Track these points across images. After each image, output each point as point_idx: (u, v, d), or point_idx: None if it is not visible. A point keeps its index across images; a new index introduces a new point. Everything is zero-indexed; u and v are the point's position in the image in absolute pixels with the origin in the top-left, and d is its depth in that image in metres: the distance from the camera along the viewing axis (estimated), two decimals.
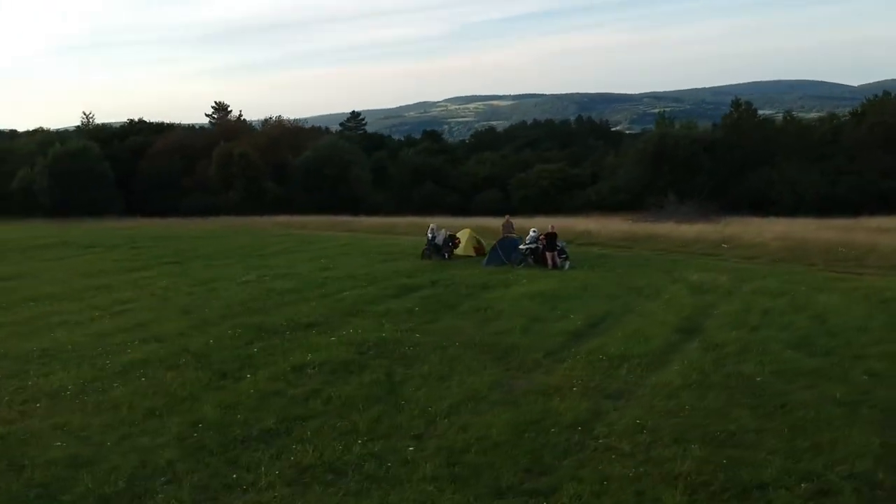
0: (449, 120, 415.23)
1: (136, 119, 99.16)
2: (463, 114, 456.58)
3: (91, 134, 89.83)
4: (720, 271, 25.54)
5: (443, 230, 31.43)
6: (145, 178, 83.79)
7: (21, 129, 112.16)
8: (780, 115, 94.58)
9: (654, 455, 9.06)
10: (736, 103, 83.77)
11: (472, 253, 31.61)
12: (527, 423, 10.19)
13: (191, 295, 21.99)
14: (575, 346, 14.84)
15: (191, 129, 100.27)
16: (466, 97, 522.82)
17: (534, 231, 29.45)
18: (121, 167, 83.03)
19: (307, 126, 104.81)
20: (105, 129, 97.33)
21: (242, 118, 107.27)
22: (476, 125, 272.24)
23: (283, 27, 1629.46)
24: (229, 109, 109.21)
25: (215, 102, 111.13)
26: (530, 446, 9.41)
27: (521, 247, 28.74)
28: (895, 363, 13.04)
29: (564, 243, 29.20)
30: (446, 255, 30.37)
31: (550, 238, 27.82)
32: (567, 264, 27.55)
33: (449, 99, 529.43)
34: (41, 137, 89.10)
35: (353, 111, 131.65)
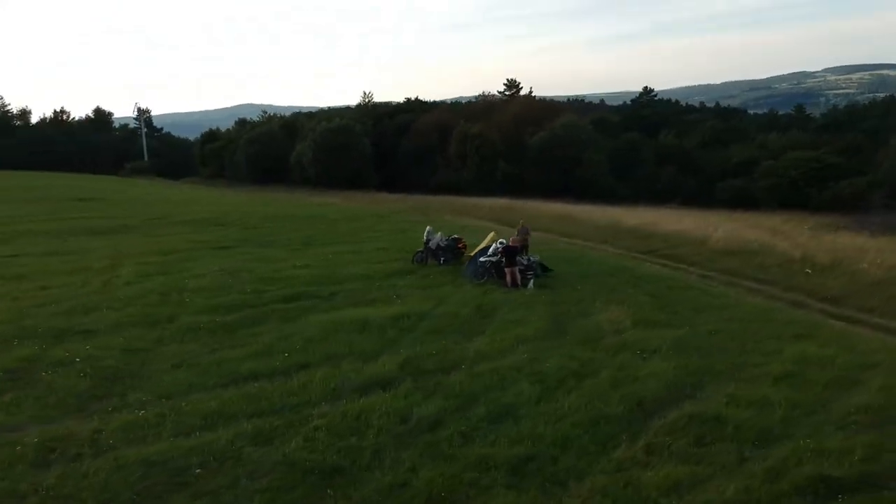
0: (826, 92, 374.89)
1: (413, 98, 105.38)
2: (844, 85, 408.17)
3: (364, 112, 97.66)
4: None
5: (438, 233, 29.46)
6: (405, 154, 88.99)
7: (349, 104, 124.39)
8: None
9: None
10: None
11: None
12: None
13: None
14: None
15: (455, 104, 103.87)
16: (850, 66, 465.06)
17: (500, 242, 26.52)
18: (385, 144, 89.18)
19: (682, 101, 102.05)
20: (380, 107, 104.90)
21: (532, 94, 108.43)
22: (858, 97, 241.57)
23: None
24: (519, 86, 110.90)
25: (507, 80, 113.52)
26: None
27: (481, 259, 26.05)
28: None
29: (535, 258, 25.83)
30: (441, 260, 28.42)
31: (509, 252, 24.78)
32: (531, 283, 24.36)
33: (829, 69, 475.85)
34: (321, 115, 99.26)
35: (645, 87, 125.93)
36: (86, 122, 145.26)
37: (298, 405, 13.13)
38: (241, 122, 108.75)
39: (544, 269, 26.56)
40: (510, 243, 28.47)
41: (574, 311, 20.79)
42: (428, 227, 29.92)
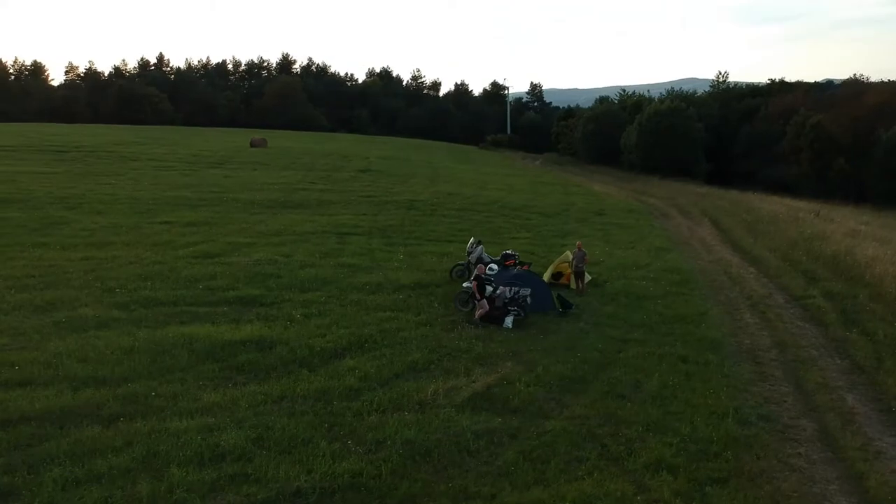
0: None
1: (776, 79, 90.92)
2: None
3: (717, 95, 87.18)
4: None
5: (480, 246, 24.66)
6: (745, 142, 78.21)
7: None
8: None
9: None
10: None
11: (551, 279, 24.41)
12: None
13: None
14: None
15: (815, 87, 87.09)
16: None
17: (493, 266, 21.47)
18: (726, 130, 79.38)
19: None
20: (734, 88, 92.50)
21: None
22: None
23: None
24: None
25: None
26: None
27: (464, 284, 21.37)
28: None
29: (516, 290, 20.32)
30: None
31: (481, 282, 19.91)
32: (509, 321, 19.46)
33: None
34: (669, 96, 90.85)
35: None
36: (482, 96, 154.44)
37: None
38: (602, 100, 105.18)
39: (565, 305, 20.72)
40: (573, 266, 22.96)
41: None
42: (472, 238, 25.23)
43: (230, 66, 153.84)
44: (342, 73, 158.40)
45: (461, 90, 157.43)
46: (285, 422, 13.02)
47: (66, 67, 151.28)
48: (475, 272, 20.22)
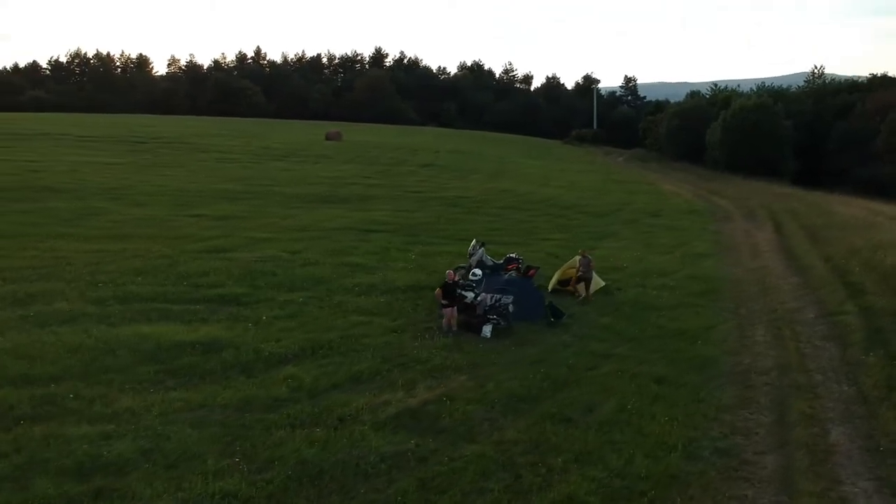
0: None
1: (878, 74, 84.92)
2: None
3: (812, 91, 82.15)
4: None
5: (481, 249, 23.66)
6: (838, 140, 73.55)
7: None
8: None
9: None
10: None
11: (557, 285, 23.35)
12: None
13: None
14: None
15: None
16: None
17: (476, 271, 20.56)
18: (818, 127, 74.90)
19: None
20: (830, 84, 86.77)
21: None
22: None
23: None
24: None
25: None
26: None
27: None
28: None
29: (498, 298, 19.31)
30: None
31: (447, 289, 19.02)
32: (487, 330, 18.63)
33: None
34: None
35: None
36: (573, 90, 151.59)
37: None
38: (693, 94, 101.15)
39: (556, 314, 19.62)
40: (577, 273, 21.82)
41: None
42: (474, 240, 24.26)
43: (325, 60, 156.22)
44: (434, 67, 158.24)
45: (552, 84, 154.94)
46: (187, 433, 12.51)
47: (169, 60, 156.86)
48: (445, 279, 19.17)
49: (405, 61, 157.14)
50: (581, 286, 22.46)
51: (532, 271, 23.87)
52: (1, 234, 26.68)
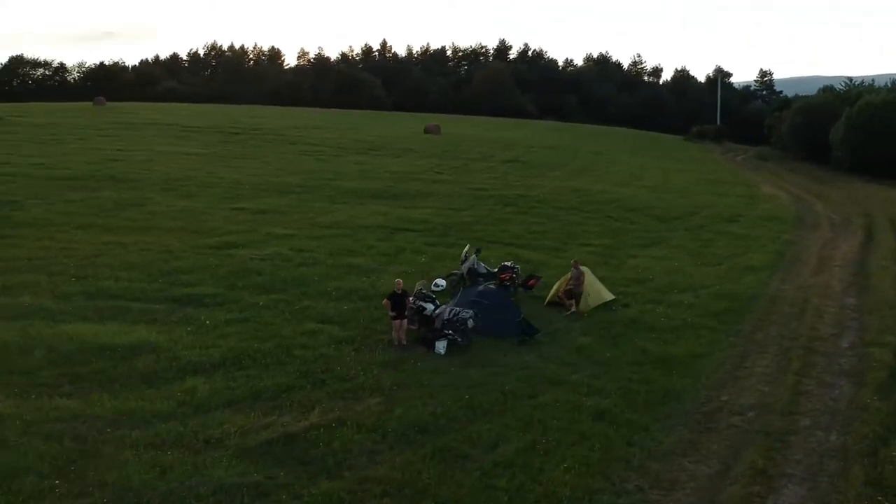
0: None
1: None
2: None
3: None
4: None
5: (472, 256, 22.18)
6: None
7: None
8: None
9: None
10: None
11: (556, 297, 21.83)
12: None
13: None
14: None
15: None
16: None
17: (439, 281, 19.28)
18: None
19: None
20: None
21: None
22: None
23: None
24: None
25: None
26: None
27: (410, 299, 19.20)
28: None
29: (456, 312, 17.95)
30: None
31: (395, 299, 17.81)
32: (441, 346, 17.46)
33: None
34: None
35: None
36: (704, 83, 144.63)
37: None
38: (825, 89, 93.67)
39: (527, 331, 18.12)
40: (567, 285, 20.24)
41: None
42: (467, 245, 22.81)
43: (449, 53, 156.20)
44: (560, 60, 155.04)
45: (681, 76, 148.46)
46: (33, 446, 11.97)
47: (298, 53, 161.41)
48: (394, 288, 17.78)
49: (529, 53, 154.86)
50: (573, 300, 20.58)
51: (533, 281, 22.21)
52: (32, 222, 27.56)
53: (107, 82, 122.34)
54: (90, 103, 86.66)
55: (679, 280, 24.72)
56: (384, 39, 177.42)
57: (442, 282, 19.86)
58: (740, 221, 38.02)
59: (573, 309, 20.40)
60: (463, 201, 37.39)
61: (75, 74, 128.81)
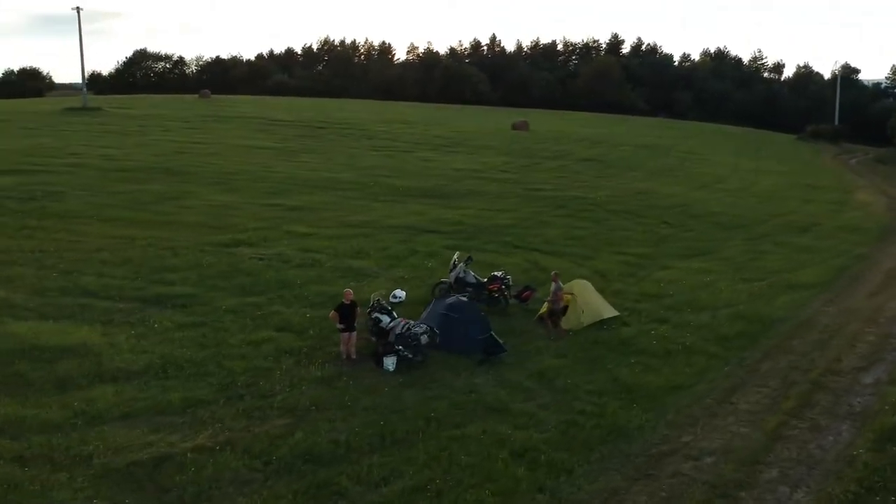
0: None
1: None
2: None
3: None
4: None
5: (461, 264, 20.84)
6: None
7: None
8: None
9: None
10: None
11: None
12: None
13: None
14: None
15: None
16: None
17: (398, 293, 18.19)
18: None
19: None
20: None
21: None
22: None
23: None
24: None
25: None
26: None
27: (368, 311, 18.13)
28: None
29: (408, 326, 16.82)
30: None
31: (344, 310, 16.79)
32: (389, 362, 16.51)
33: None
34: None
35: None
36: (829, 80, 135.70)
37: None
38: None
39: (490, 350, 16.86)
40: (549, 300, 18.89)
41: None
42: (456, 253, 21.48)
43: (559, 47, 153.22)
44: (676, 55, 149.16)
45: (803, 73, 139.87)
46: None
47: (408, 48, 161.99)
48: (343, 299, 16.67)
49: (642, 48, 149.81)
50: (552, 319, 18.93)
51: (527, 293, 20.65)
52: (62, 214, 28.13)
53: (221, 75, 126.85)
54: (196, 96, 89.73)
55: (701, 297, 22.51)
56: (493, 34, 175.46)
57: (401, 293, 18.63)
58: (814, 231, 34.80)
59: (551, 329, 18.73)
60: (510, 202, 35.85)
61: (193, 68, 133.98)
